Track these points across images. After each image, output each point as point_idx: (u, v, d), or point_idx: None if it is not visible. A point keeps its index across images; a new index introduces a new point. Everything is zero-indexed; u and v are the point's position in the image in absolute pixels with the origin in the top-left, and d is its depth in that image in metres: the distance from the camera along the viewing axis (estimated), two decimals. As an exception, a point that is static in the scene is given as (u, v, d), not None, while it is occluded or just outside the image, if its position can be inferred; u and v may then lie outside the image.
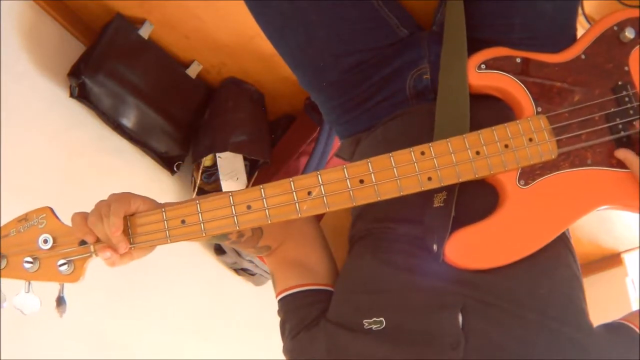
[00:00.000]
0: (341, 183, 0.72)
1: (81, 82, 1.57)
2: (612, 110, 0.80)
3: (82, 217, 0.71)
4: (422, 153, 0.74)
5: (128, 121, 1.68)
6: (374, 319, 0.73)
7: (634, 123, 0.80)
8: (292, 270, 0.87)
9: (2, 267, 0.70)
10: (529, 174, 0.77)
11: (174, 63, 1.81)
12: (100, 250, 0.70)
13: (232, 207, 0.71)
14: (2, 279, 0.70)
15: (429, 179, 0.73)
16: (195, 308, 1.81)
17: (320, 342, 0.76)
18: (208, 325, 1.84)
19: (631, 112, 0.80)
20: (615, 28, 0.83)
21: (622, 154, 0.78)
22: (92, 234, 0.70)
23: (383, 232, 0.83)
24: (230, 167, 1.78)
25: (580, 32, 0.89)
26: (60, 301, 0.71)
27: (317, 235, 0.92)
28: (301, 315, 0.82)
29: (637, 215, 0.80)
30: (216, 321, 1.86)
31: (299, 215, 0.71)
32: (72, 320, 1.44)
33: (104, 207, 0.71)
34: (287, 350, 0.82)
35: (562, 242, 0.81)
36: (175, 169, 1.82)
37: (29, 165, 1.48)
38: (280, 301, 0.85)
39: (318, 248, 0.90)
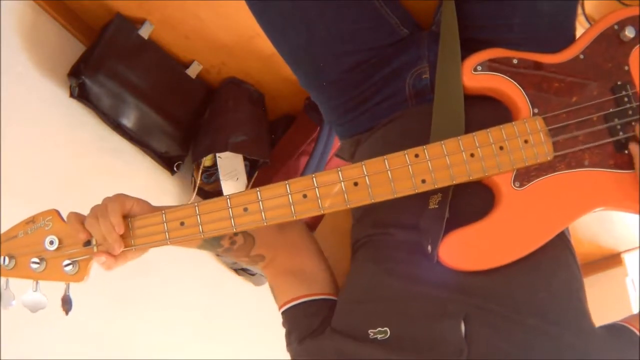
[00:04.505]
0: (336, 185, 0.73)
1: (81, 82, 1.57)
2: (611, 110, 0.80)
3: (77, 216, 0.74)
4: (417, 155, 0.74)
5: (128, 121, 1.68)
6: (379, 328, 0.73)
7: (633, 123, 0.79)
8: (290, 281, 0.87)
9: (11, 267, 0.73)
10: (524, 176, 0.77)
11: (174, 63, 1.81)
12: (96, 255, 0.72)
13: (229, 209, 0.72)
14: (10, 278, 0.73)
15: (423, 181, 0.73)
16: (195, 308, 1.81)
17: (328, 349, 0.77)
18: (208, 325, 1.84)
19: (630, 112, 0.80)
20: (616, 27, 0.83)
21: (635, 149, 0.78)
22: (87, 232, 0.73)
23: (384, 239, 0.83)
24: (230, 167, 1.78)
25: (579, 31, 0.88)
26: (66, 300, 0.74)
27: (311, 245, 0.93)
28: (305, 325, 0.82)
29: (637, 215, 0.80)
30: (216, 321, 1.87)
31: (294, 217, 0.72)
32: (73, 320, 1.45)
33: (100, 209, 0.73)
34: (296, 354, 0.83)
35: (563, 242, 0.81)
36: (175, 169, 1.82)
37: (29, 165, 1.48)
38: (284, 313, 0.86)
39: (314, 257, 0.91)
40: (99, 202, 0.77)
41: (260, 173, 1.84)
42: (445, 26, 0.88)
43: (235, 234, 0.83)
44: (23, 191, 1.39)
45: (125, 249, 0.73)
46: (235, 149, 1.74)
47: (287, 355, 0.84)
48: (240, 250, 0.85)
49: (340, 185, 0.73)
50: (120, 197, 0.74)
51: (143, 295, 1.68)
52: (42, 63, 1.58)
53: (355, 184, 0.73)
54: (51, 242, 0.73)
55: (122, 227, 0.72)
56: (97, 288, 1.47)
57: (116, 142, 1.71)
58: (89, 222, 0.73)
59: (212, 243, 0.82)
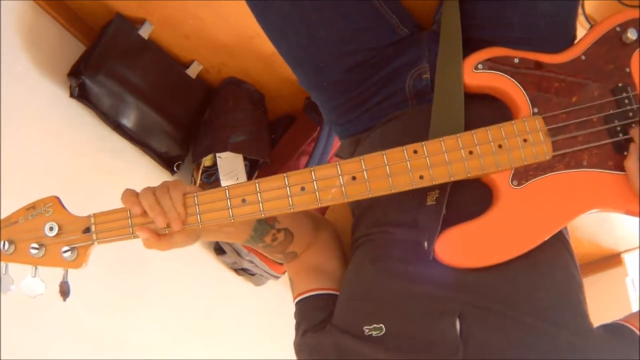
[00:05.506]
0: (334, 179, 0.73)
1: (81, 82, 1.57)
2: (611, 111, 0.79)
3: (132, 191, 0.74)
4: (415, 151, 0.74)
5: (128, 121, 1.68)
6: (374, 325, 0.73)
7: (633, 125, 0.79)
8: (310, 275, 0.89)
9: (11, 252, 0.73)
10: (523, 175, 0.76)
11: (174, 63, 1.81)
12: (140, 230, 0.72)
13: (228, 200, 0.73)
14: (10, 263, 0.73)
15: (421, 177, 0.74)
16: (195, 308, 1.81)
17: (327, 343, 0.78)
18: (208, 325, 1.84)
19: (630, 114, 0.79)
20: (618, 29, 0.82)
21: (631, 163, 0.76)
22: (140, 205, 0.72)
23: (381, 238, 0.84)
24: (230, 167, 1.78)
25: (580, 32, 0.88)
26: (64, 286, 0.74)
27: (337, 247, 0.95)
28: (311, 318, 0.83)
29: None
30: (216, 321, 1.87)
31: (292, 209, 0.73)
32: (73, 320, 1.45)
33: (159, 188, 0.73)
34: (296, 347, 0.84)
35: (561, 242, 0.81)
36: (175, 169, 1.82)
37: (29, 165, 1.48)
38: (296, 304, 0.88)
39: (337, 258, 0.93)
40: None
41: (260, 173, 1.84)
42: (446, 25, 0.88)
43: (278, 230, 0.84)
44: (23, 191, 1.38)
45: (187, 225, 0.73)
46: (235, 149, 1.75)
47: (286, 355, 0.84)
48: (279, 247, 0.87)
49: (339, 179, 0.73)
50: (179, 182, 0.75)
51: (143, 294, 1.68)
52: (42, 63, 1.58)
53: (354, 178, 0.73)
54: (51, 229, 0.73)
55: (182, 202, 0.72)
56: (96, 287, 1.47)
57: (116, 142, 1.71)
58: (143, 194, 0.73)
59: (256, 239, 0.84)
